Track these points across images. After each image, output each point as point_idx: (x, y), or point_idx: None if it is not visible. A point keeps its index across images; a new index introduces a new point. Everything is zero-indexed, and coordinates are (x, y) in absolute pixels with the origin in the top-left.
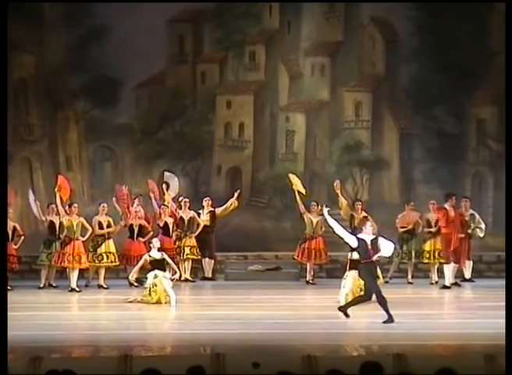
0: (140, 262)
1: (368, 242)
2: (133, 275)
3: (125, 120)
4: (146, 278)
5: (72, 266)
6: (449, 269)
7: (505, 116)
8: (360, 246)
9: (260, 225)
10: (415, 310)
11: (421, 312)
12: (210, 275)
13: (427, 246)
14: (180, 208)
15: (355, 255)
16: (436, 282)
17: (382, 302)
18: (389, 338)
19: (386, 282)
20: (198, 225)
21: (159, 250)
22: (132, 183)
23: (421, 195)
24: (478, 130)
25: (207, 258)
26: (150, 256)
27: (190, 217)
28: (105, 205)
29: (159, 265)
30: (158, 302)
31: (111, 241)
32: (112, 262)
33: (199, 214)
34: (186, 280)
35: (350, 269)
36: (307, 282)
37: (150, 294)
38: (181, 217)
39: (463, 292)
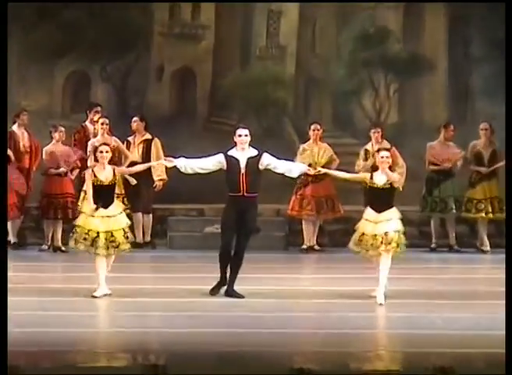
0: (88, 184)
1: (243, 162)
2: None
3: None
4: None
5: None
6: None
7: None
8: (229, 169)
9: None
10: (462, 299)
11: (470, 303)
12: (146, 239)
13: (477, 193)
14: (95, 136)
15: (377, 181)
16: (486, 250)
17: (234, 266)
18: (426, 343)
19: (433, 249)
20: (125, 159)
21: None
22: (19, 93)
23: (480, 114)
24: None
25: (140, 214)
26: (95, 176)
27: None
28: None
29: (107, 194)
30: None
31: None
32: None
33: (128, 143)
34: None
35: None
36: (305, 250)
37: (76, 241)
38: (96, 148)
39: None
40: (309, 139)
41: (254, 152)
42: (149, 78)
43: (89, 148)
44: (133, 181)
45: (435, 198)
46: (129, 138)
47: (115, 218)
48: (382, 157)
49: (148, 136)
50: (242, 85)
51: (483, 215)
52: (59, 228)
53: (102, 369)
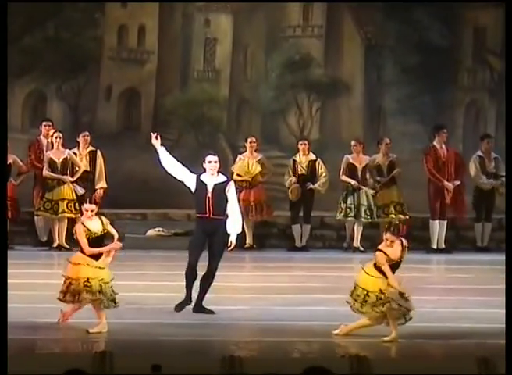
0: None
1: (210, 186)
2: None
3: None
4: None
5: None
6: (435, 228)
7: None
8: (197, 192)
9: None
10: None
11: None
12: None
13: (379, 200)
14: (52, 148)
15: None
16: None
17: (206, 284)
18: None
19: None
20: (78, 170)
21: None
22: None
23: (393, 132)
24: (475, 42)
25: None
26: (87, 229)
27: (64, 159)
28: None
29: (98, 244)
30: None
31: None
32: None
33: (74, 154)
34: (60, 247)
35: None
36: (250, 246)
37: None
38: (50, 159)
39: (471, 267)
40: (245, 151)
41: (222, 178)
42: (99, 97)
43: (45, 159)
44: (79, 192)
45: (349, 205)
46: (75, 150)
47: (104, 270)
48: (387, 239)
49: (92, 148)
50: (181, 104)
51: (386, 218)
52: None
53: (54, 355)
